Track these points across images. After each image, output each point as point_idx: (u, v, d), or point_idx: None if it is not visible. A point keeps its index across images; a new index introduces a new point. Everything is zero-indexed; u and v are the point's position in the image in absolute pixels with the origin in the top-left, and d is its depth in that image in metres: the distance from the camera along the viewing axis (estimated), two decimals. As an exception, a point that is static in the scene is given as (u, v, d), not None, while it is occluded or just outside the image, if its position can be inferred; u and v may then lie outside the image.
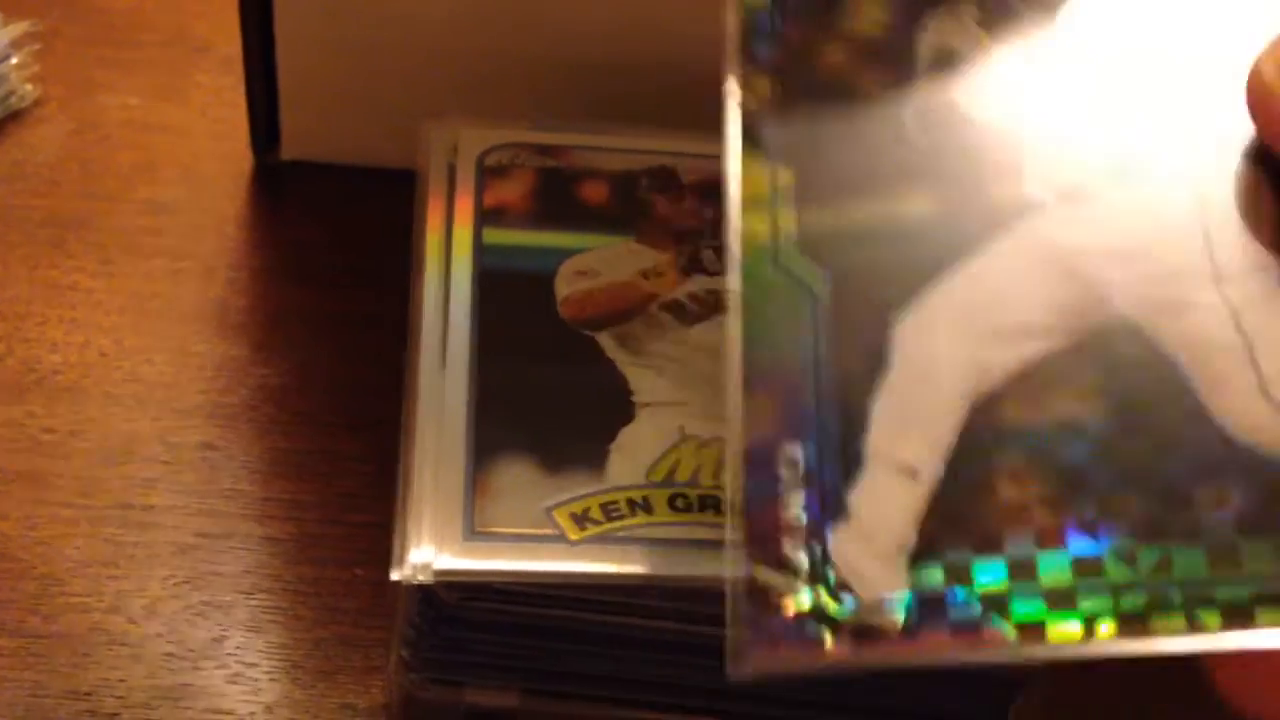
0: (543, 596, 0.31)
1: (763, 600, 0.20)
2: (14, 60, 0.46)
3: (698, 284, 0.35)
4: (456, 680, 0.32)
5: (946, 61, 0.25)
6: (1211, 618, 0.18)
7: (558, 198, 0.37)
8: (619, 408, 0.32)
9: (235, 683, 0.33)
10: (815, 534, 0.21)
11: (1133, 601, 0.19)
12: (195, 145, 0.46)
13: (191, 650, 0.33)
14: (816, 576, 0.20)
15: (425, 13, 0.42)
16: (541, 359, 0.33)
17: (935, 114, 0.24)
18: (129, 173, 0.45)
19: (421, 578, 0.30)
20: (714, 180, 0.32)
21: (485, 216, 0.36)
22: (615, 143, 0.39)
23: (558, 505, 0.31)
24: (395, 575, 0.30)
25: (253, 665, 0.33)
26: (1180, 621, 0.18)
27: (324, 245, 0.43)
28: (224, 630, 0.34)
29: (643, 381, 0.33)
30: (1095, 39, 0.24)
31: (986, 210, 0.23)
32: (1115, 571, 0.19)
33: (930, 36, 0.25)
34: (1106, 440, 0.20)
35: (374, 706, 0.33)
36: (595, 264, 0.36)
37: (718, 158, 0.31)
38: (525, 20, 0.43)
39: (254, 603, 0.35)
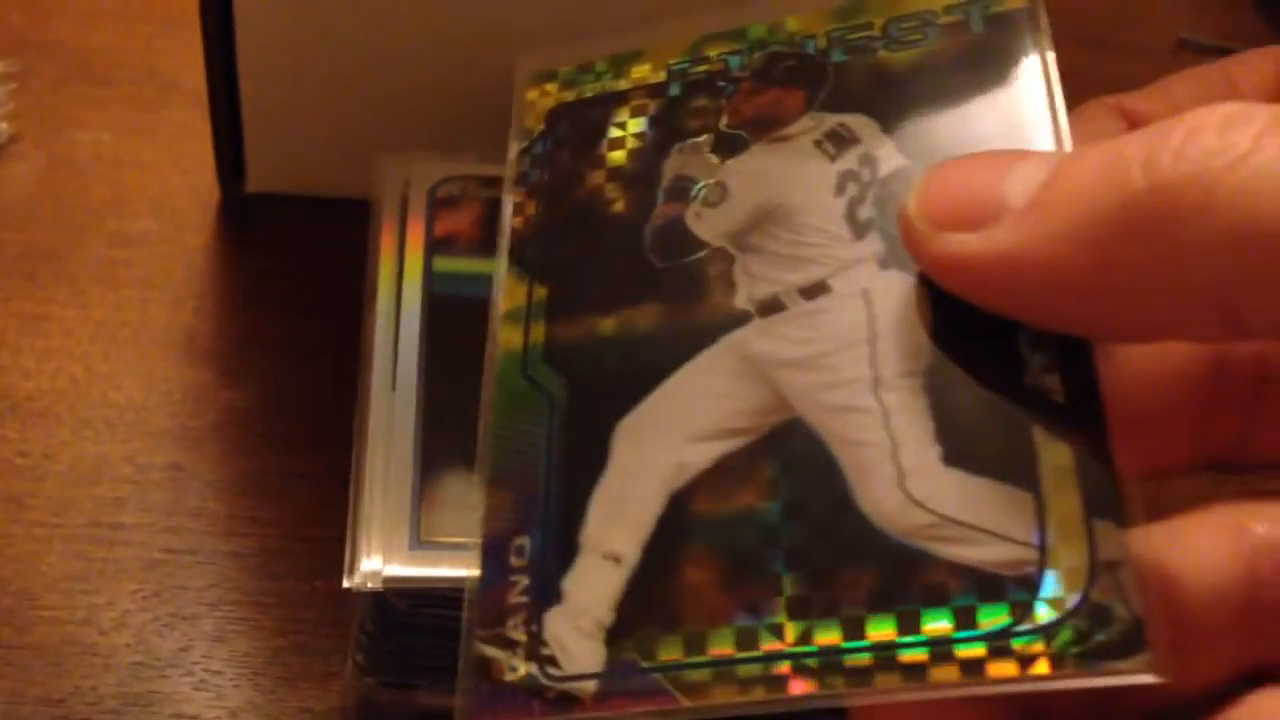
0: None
1: (486, 671, 0.24)
2: (-11, 100, 0.48)
3: None
4: (409, 683, 0.34)
5: (683, 188, 0.28)
6: (837, 679, 0.22)
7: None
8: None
9: (201, 689, 0.35)
10: (534, 615, 0.24)
11: (778, 666, 0.22)
12: (164, 179, 0.48)
13: (159, 659, 0.35)
14: (532, 652, 0.23)
15: (384, 50, 0.44)
16: None
17: (669, 235, 0.27)
18: (100, 207, 0.47)
19: (371, 585, 0.32)
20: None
21: (435, 245, 0.38)
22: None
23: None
24: (347, 583, 0.32)
25: (217, 673, 0.35)
26: (814, 683, 0.22)
27: (287, 274, 0.45)
28: (190, 640, 0.36)
29: None
30: (811, 166, 0.27)
31: (702, 323, 0.26)
32: (767, 642, 0.22)
33: (672, 166, 0.28)
34: (773, 527, 0.23)
35: (330, 710, 0.35)
36: None
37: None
38: (480, 57, 0.45)
39: (218, 614, 0.36)
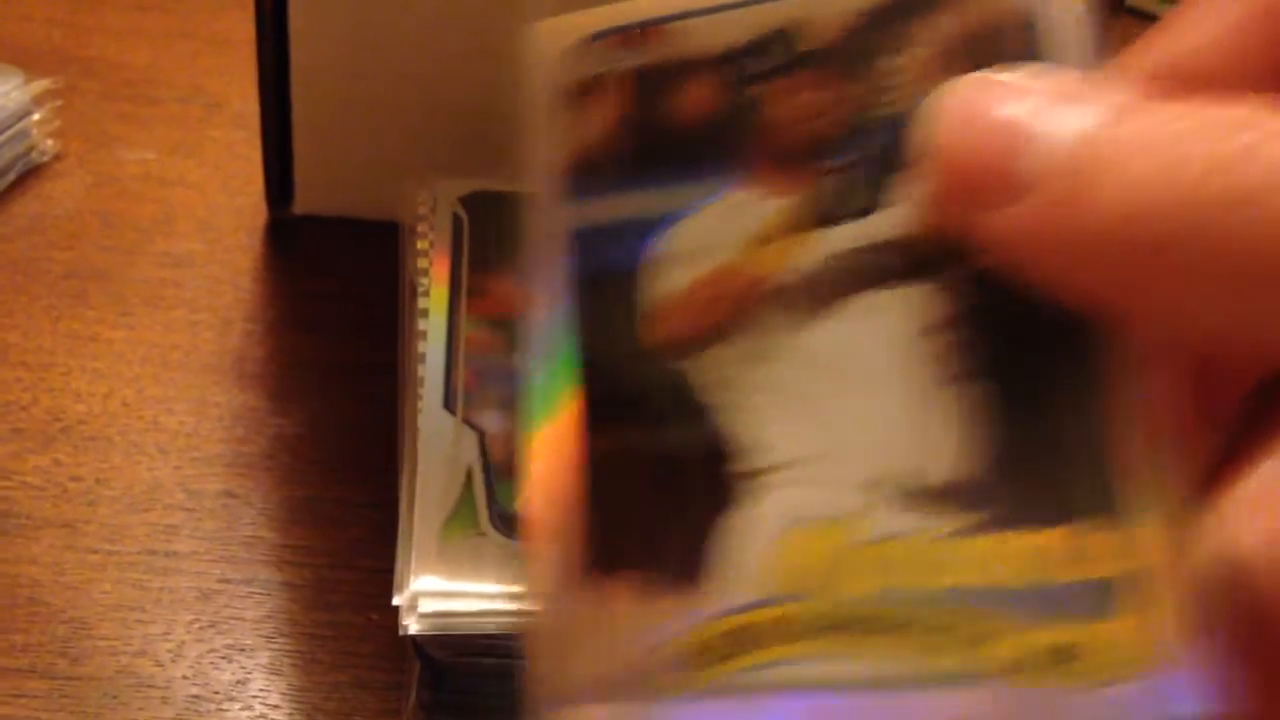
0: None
1: None
2: (35, 116, 0.48)
3: (823, 245, 0.28)
4: (471, 722, 0.34)
5: None
6: None
7: (653, 127, 0.31)
8: (715, 493, 0.28)
9: (258, 723, 0.34)
10: None
11: None
12: (210, 199, 0.47)
13: (216, 692, 0.35)
14: None
15: (435, 74, 0.44)
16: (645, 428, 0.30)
17: None
18: (147, 226, 0.46)
19: (415, 630, 0.32)
20: (847, 36, 0.28)
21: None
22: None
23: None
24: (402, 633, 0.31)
25: (275, 707, 0.35)
26: None
27: (336, 297, 0.45)
28: (247, 673, 0.35)
29: (746, 437, 0.28)
30: None
31: None
32: None
33: None
34: None
35: (392, 747, 0.35)
36: (696, 239, 0.28)
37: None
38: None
39: (275, 646, 0.36)
